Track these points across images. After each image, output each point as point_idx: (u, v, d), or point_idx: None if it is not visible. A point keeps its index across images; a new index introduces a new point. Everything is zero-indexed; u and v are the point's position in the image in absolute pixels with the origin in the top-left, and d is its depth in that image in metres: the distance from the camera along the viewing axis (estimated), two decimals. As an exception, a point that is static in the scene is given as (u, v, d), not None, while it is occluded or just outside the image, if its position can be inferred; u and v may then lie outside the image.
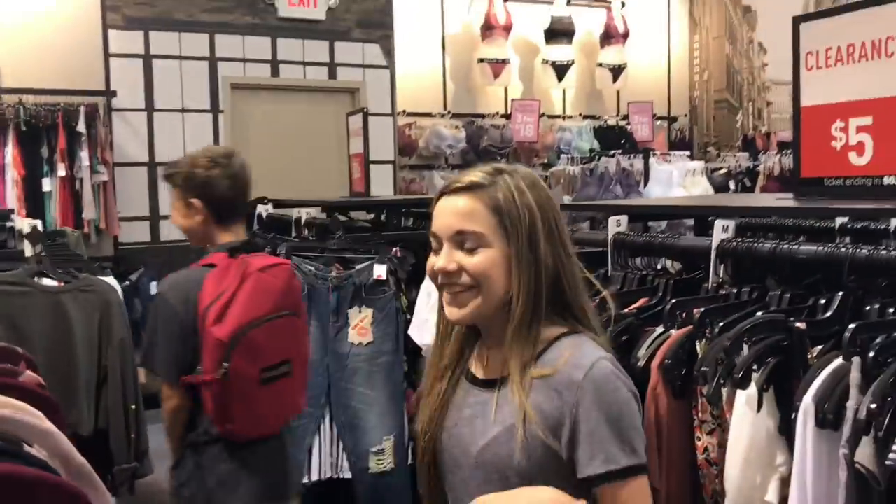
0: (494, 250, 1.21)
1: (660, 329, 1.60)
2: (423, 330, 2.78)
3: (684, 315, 1.61)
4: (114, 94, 5.67)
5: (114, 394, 2.82)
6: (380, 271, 2.98)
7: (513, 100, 7.77)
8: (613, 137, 8.00)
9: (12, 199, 5.11)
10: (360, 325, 2.99)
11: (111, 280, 2.94)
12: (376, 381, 3.00)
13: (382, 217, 4.00)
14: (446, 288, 1.23)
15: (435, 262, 1.23)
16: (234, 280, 2.04)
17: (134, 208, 5.92)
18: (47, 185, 5.22)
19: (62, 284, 2.79)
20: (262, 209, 4.21)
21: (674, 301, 1.62)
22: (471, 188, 1.22)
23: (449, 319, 1.27)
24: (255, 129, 6.34)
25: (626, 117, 8.26)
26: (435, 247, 1.25)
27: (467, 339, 1.33)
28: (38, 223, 2.81)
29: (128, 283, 5.42)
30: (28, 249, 2.80)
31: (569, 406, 1.16)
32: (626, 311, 1.76)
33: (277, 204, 4.37)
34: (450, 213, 1.23)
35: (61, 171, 5.22)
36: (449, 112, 7.56)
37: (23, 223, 2.78)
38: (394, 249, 3.07)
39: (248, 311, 2.03)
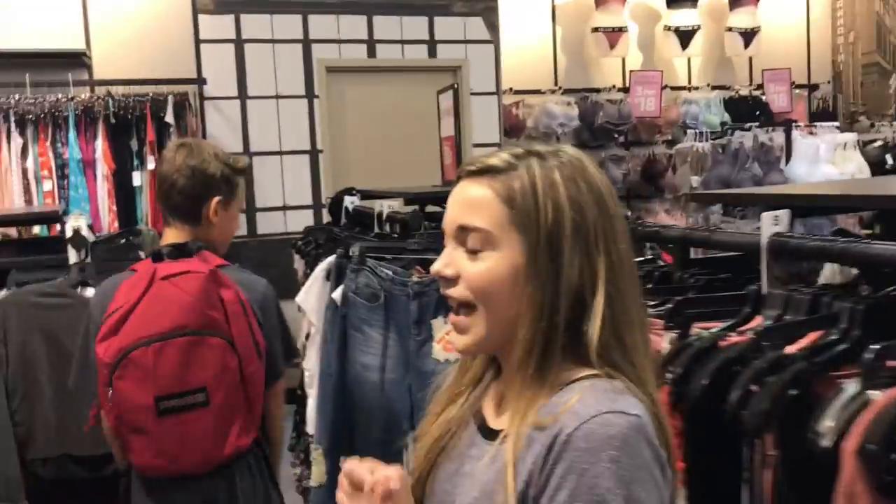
0: (501, 255, 0.95)
1: (852, 387, 1.05)
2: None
3: (893, 365, 1.05)
4: (204, 81, 5.43)
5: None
6: (468, 275, 2.51)
7: (631, 71, 7.10)
8: (746, 109, 7.19)
9: (103, 194, 4.95)
10: (446, 339, 2.54)
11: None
12: (466, 404, 2.55)
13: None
14: (448, 301, 1.00)
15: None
16: (139, 290, 1.77)
17: (228, 201, 5.68)
18: (137, 179, 5.02)
19: (108, 295, 2.47)
20: (349, 201, 3.82)
21: (875, 347, 1.06)
22: (484, 172, 0.98)
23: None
24: (352, 114, 5.98)
25: (759, 87, 7.42)
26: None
27: (493, 362, 1.08)
28: (83, 225, 2.49)
29: (222, 279, 5.19)
30: (72, 256, 2.49)
31: (548, 467, 0.90)
32: (794, 349, 1.21)
33: (364, 195, 3.98)
34: (456, 201, 1.00)
35: (151, 165, 5.01)
36: (560, 88, 6.97)
37: (67, 226, 2.47)
38: (485, 249, 2.59)
39: (139, 328, 1.74)
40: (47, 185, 4.83)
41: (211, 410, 1.81)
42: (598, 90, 7.13)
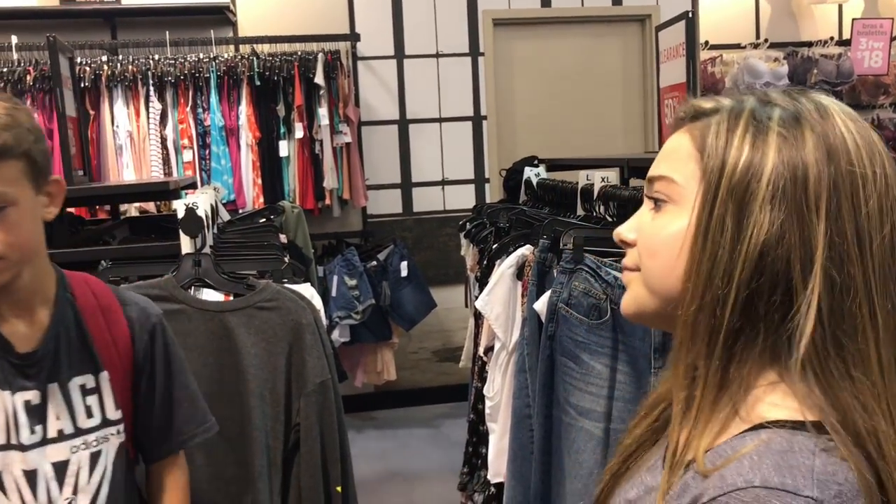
0: (680, 210, 0.73)
1: None
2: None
3: None
4: (357, 37, 4.78)
5: (309, 468, 1.81)
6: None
7: (853, 20, 5.91)
8: None
9: (247, 165, 4.41)
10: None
11: (307, 289, 1.91)
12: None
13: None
14: None
15: None
16: None
17: (383, 174, 5.05)
18: (284, 149, 4.44)
19: (229, 298, 1.82)
20: (532, 173, 3.05)
21: None
22: (693, 117, 0.76)
23: None
24: (522, 74, 5.18)
25: None
26: None
27: None
28: (200, 201, 1.83)
29: (374, 263, 4.58)
30: (185, 244, 1.84)
31: None
32: None
33: (552, 166, 3.20)
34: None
35: (298, 133, 4.42)
36: (765, 41, 5.89)
37: (178, 203, 1.82)
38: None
39: None
40: (187, 156, 4.33)
41: None
42: (809, 44, 5.99)
